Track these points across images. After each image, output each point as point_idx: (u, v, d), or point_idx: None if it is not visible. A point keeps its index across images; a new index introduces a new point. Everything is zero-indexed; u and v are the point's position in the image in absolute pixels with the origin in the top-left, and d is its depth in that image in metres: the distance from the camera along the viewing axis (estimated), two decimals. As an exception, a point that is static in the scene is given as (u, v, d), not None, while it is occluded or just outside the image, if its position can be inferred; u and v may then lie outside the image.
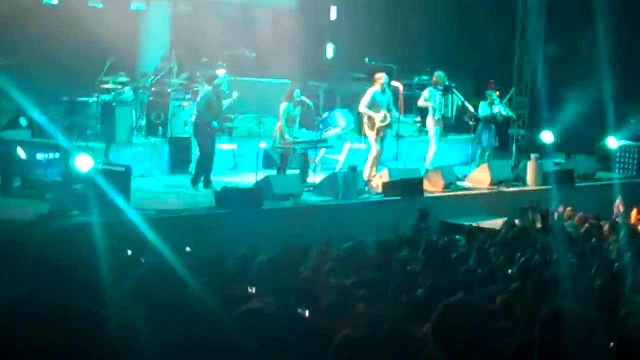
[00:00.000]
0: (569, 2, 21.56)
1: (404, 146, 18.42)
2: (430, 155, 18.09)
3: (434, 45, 22.14)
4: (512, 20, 20.79)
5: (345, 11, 20.63)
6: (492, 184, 17.82)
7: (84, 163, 12.91)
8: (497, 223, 14.66)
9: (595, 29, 20.66)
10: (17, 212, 12.59)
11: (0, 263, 7.52)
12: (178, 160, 16.99)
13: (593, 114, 20.46)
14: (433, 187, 16.96)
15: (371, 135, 16.88)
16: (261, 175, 15.49)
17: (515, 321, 7.76)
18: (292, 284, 8.40)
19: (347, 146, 17.86)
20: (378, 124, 16.74)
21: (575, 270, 10.54)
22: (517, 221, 14.11)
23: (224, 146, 17.39)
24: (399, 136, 17.46)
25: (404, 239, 12.04)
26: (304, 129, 17.09)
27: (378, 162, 17.01)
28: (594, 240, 13.16)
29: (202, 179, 15.64)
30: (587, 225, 13.82)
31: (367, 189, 16.39)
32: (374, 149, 16.91)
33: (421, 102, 18.45)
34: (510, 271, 10.56)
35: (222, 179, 16.04)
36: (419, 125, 20.46)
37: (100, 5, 18.93)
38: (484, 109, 19.04)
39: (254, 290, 7.97)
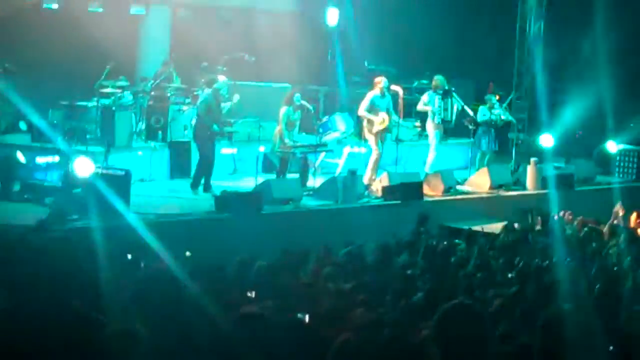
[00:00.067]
0: (568, 6, 21.57)
1: (404, 150, 18.43)
2: (430, 159, 18.10)
3: (433, 49, 22.14)
4: (511, 24, 20.78)
5: (344, 15, 20.61)
6: (491, 187, 17.83)
7: (83, 167, 12.91)
8: (496, 227, 14.66)
9: (595, 33, 20.69)
10: (16, 217, 12.59)
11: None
12: (178, 164, 16.98)
13: (592, 118, 20.49)
14: (432, 191, 16.96)
15: (371, 138, 16.88)
16: (260, 179, 15.50)
17: (515, 325, 7.75)
18: (291, 289, 8.40)
19: (347, 150, 17.87)
20: (377, 127, 16.74)
21: (574, 274, 10.54)
22: (516, 225, 14.11)
23: (223, 150, 17.40)
24: (398, 140, 17.47)
25: (404, 243, 12.05)
26: (304, 133, 17.09)
27: (377, 166, 17.01)
28: (593, 244, 13.16)
29: (202, 182, 15.63)
30: (586, 229, 13.81)
31: (366, 192, 16.40)
32: (374, 152, 16.91)
33: (420, 106, 18.46)
34: (509, 275, 10.56)
35: (221, 183, 16.05)
36: (418, 129, 20.47)
37: (100, 10, 18.95)
38: (482, 114, 19.03)
39: (253, 294, 7.96)
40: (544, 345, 6.16)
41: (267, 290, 8.03)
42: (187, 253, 10.02)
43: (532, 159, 18.45)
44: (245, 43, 20.07)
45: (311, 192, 15.98)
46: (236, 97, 17.60)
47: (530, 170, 18.30)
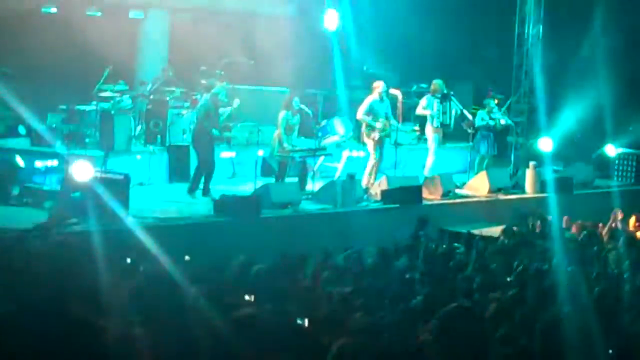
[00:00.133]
0: (567, 10, 21.57)
1: (403, 154, 18.42)
2: (429, 162, 18.09)
3: (432, 53, 22.15)
4: (510, 28, 20.78)
5: (343, 19, 20.63)
6: (490, 191, 17.83)
7: (82, 171, 12.91)
8: (495, 230, 14.66)
9: (594, 36, 20.70)
10: (15, 221, 12.58)
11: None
12: (177, 168, 16.98)
13: (591, 122, 20.49)
14: (431, 195, 16.96)
15: (369, 143, 16.89)
16: (259, 183, 15.50)
17: (514, 329, 7.76)
18: (290, 293, 8.40)
19: (346, 154, 17.87)
20: (377, 133, 16.75)
21: (574, 277, 10.54)
22: (515, 228, 14.11)
23: (223, 154, 17.39)
24: (397, 144, 17.47)
25: (402, 247, 12.04)
26: (303, 137, 17.09)
27: (377, 170, 17.01)
28: (592, 247, 13.16)
29: (200, 187, 15.62)
30: (585, 232, 13.81)
31: (365, 196, 16.40)
32: (373, 156, 16.91)
33: (419, 110, 18.45)
34: (508, 279, 10.56)
35: (220, 187, 16.04)
36: (417, 133, 20.47)
37: (99, 14, 18.96)
38: (480, 118, 19.01)
39: (252, 298, 7.96)
40: (543, 348, 6.17)
41: (266, 294, 8.03)
42: (186, 257, 10.01)
43: (531, 163, 18.45)
44: (244, 47, 20.08)
45: (310, 196, 15.98)
46: (236, 102, 17.60)
47: (529, 173, 18.30)
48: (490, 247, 12.62)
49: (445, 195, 17.15)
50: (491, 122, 19.05)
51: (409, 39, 21.66)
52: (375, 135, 16.75)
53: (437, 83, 18.22)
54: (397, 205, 15.87)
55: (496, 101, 20.13)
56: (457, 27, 22.57)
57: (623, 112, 20.68)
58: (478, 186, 17.95)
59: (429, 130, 18.23)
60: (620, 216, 14.66)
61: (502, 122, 19.33)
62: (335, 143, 17.74)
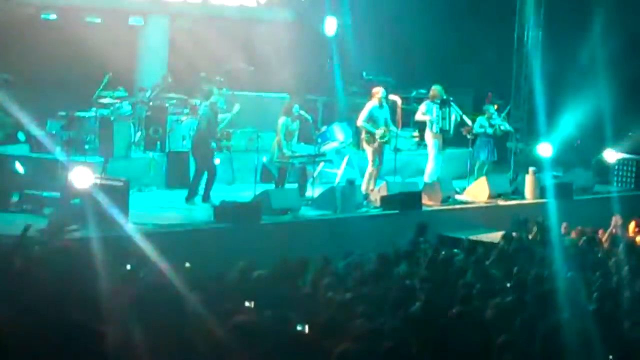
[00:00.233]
0: (566, 16, 21.60)
1: (402, 159, 18.41)
2: (428, 168, 18.07)
3: (431, 59, 22.16)
4: (510, 33, 20.80)
5: (342, 25, 20.65)
6: (490, 197, 17.83)
7: (82, 177, 12.90)
8: (495, 236, 14.66)
9: (593, 42, 20.70)
10: (15, 227, 12.56)
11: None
12: (176, 174, 16.97)
13: (591, 127, 20.50)
14: (431, 201, 16.96)
15: (369, 150, 16.90)
16: (259, 189, 15.49)
17: (514, 335, 7.75)
18: (291, 299, 8.40)
19: (346, 160, 17.87)
20: (377, 141, 16.76)
21: (573, 283, 10.55)
22: (514, 234, 14.10)
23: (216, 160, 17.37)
24: (397, 150, 17.47)
25: (402, 253, 12.04)
26: (302, 143, 17.09)
27: (377, 176, 17.01)
28: (592, 253, 13.16)
29: (200, 193, 15.61)
30: (585, 238, 13.81)
31: (365, 202, 16.40)
32: (372, 163, 16.92)
33: (418, 116, 18.44)
34: (508, 284, 10.56)
35: (220, 193, 16.03)
36: (416, 139, 20.46)
37: (98, 20, 18.95)
38: (479, 125, 18.96)
39: (252, 304, 7.96)
40: (543, 354, 6.17)
41: (266, 300, 8.03)
42: (187, 264, 10.01)
43: (531, 169, 18.45)
44: (244, 53, 20.09)
45: (310, 202, 15.97)
46: (236, 108, 17.59)
47: (528, 179, 18.30)
48: (490, 253, 12.61)
49: (444, 201, 17.15)
50: (489, 130, 19.02)
51: (408, 45, 21.68)
52: (375, 142, 16.77)
53: (436, 89, 18.21)
54: (397, 211, 15.86)
55: (496, 107, 20.12)
56: (456, 33, 22.60)
57: (622, 118, 20.69)
58: (478, 192, 17.94)
59: (428, 136, 18.21)
60: (620, 222, 14.66)
61: (502, 127, 19.31)
62: (335, 149, 17.74)
